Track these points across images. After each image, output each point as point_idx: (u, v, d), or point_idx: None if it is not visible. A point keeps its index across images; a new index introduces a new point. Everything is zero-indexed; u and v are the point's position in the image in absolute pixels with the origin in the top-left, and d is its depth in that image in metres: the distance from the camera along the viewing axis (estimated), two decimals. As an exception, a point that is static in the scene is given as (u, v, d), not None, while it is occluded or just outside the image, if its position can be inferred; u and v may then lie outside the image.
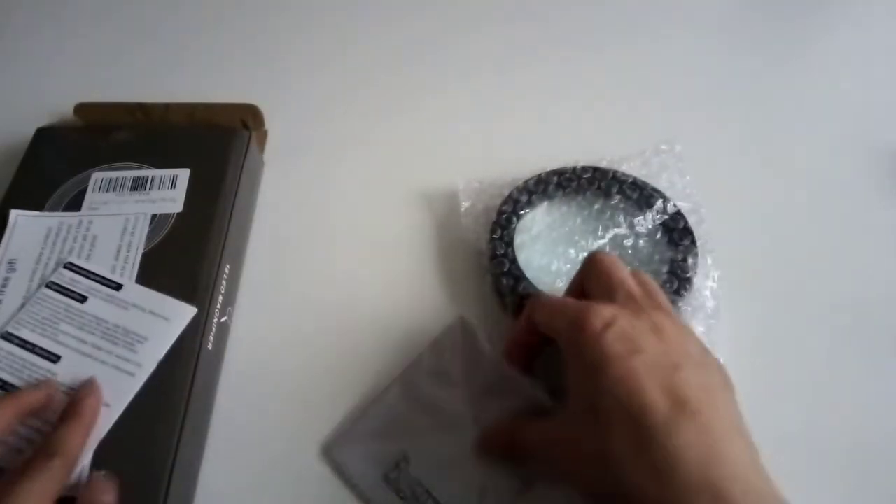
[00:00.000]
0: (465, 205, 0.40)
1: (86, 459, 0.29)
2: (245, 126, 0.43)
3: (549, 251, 0.39)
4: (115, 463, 0.29)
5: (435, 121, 0.47)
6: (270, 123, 0.45)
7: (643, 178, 0.40)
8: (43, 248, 0.35)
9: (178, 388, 0.31)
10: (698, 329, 0.35)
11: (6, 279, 0.34)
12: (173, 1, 0.55)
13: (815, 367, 0.36)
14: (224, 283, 0.36)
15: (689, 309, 0.36)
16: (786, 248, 0.40)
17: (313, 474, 0.32)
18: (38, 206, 0.37)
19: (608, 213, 0.40)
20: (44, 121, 0.42)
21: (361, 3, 0.55)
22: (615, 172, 0.40)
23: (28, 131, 0.41)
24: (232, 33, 0.53)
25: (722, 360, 0.28)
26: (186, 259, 0.35)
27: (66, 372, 0.31)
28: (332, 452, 0.32)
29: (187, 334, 0.33)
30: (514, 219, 0.39)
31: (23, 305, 0.33)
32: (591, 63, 0.51)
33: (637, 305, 0.28)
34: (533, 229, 0.40)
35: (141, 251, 0.35)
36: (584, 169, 0.41)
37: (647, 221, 0.39)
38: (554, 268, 0.38)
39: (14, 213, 0.36)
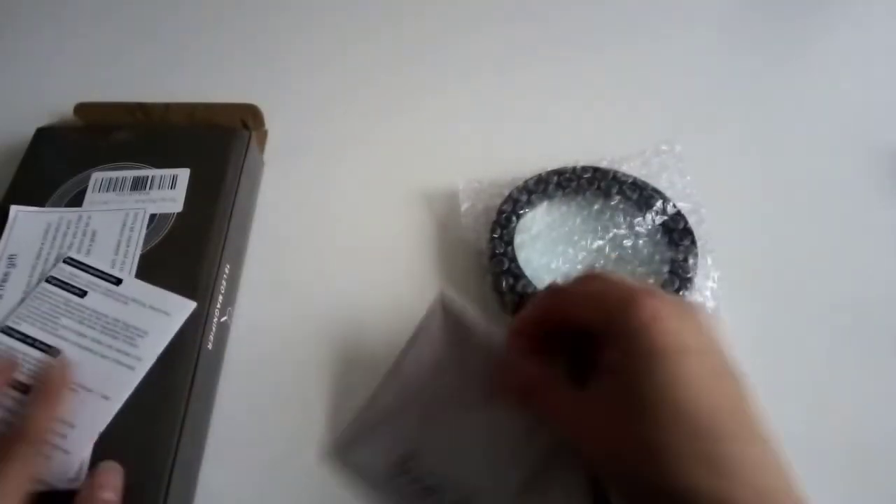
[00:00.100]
0: (465, 205, 0.40)
1: (85, 454, 0.29)
2: (245, 126, 0.43)
3: (548, 250, 0.39)
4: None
5: (435, 121, 0.47)
6: (270, 123, 0.45)
7: (643, 179, 0.40)
8: (43, 244, 0.35)
9: (179, 388, 0.31)
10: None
11: (6, 274, 0.34)
12: (173, 1, 0.55)
13: (815, 367, 0.36)
14: (224, 282, 0.36)
15: (689, 309, 0.36)
16: (786, 249, 0.40)
17: (313, 474, 0.32)
18: (38, 205, 0.37)
19: (608, 213, 0.40)
20: (44, 121, 0.42)
21: (361, 3, 0.55)
22: (615, 173, 0.40)
23: (28, 131, 0.41)
24: (232, 33, 0.53)
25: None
26: (186, 259, 0.35)
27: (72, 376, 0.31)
28: (340, 455, 0.32)
29: (187, 334, 0.33)
30: (514, 218, 0.39)
31: (23, 300, 0.33)
32: (591, 63, 0.51)
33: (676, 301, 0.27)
34: (533, 229, 0.40)
35: (140, 246, 0.35)
36: (584, 169, 0.41)
37: (647, 222, 0.39)
38: (553, 267, 0.38)
39: (14, 209, 0.36)
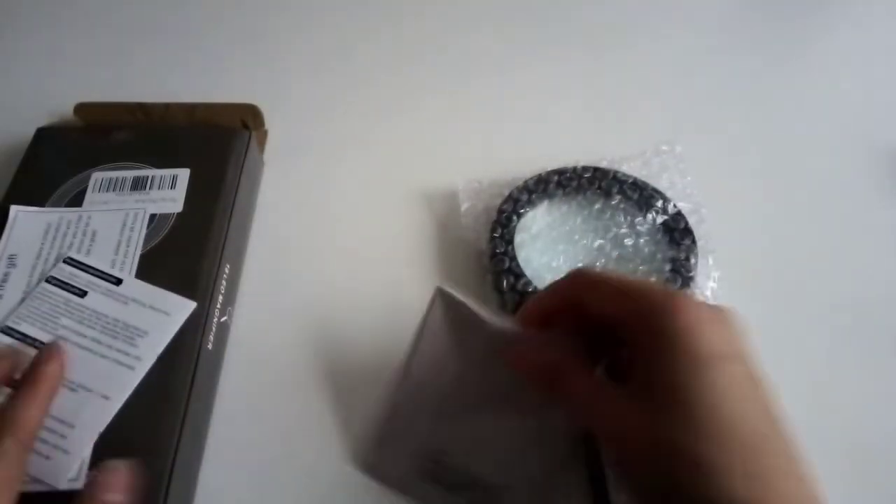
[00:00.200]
0: (465, 205, 0.40)
1: (85, 454, 0.29)
2: (245, 126, 0.43)
3: (549, 249, 0.39)
4: (115, 462, 0.29)
5: (435, 121, 0.47)
6: (270, 123, 0.45)
7: (644, 179, 0.40)
8: (43, 244, 0.35)
9: (179, 388, 0.31)
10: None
11: (6, 274, 0.34)
12: (173, 1, 0.55)
13: (815, 367, 0.36)
14: (224, 282, 0.36)
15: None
16: (786, 249, 0.40)
17: (313, 474, 0.32)
18: (38, 205, 0.37)
19: (608, 212, 0.40)
20: (44, 121, 0.42)
21: (361, 3, 0.55)
22: (616, 173, 0.40)
23: (28, 131, 0.41)
24: (232, 33, 0.53)
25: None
26: (186, 259, 0.35)
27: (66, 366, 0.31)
28: (363, 463, 0.31)
29: (187, 334, 0.33)
30: (515, 217, 0.39)
31: (23, 300, 0.33)
32: (591, 63, 0.51)
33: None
34: (533, 228, 0.40)
35: (140, 246, 0.35)
36: (585, 168, 0.41)
37: (647, 221, 0.39)
38: (554, 265, 0.38)
39: (14, 209, 0.36)
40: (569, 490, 0.28)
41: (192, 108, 0.43)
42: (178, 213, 0.37)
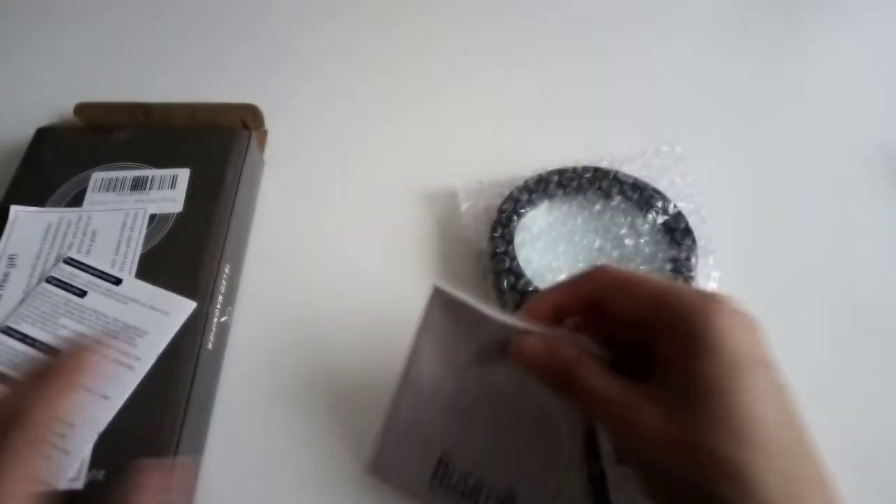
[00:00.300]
0: (465, 205, 0.40)
1: (85, 454, 0.29)
2: (245, 126, 0.43)
3: (549, 249, 0.39)
4: (116, 463, 0.29)
5: (435, 121, 0.47)
6: (270, 123, 0.45)
7: (644, 179, 0.40)
8: (43, 244, 0.35)
9: (179, 388, 0.31)
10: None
11: (6, 274, 0.34)
12: (174, 1, 0.55)
13: (815, 367, 0.36)
14: (224, 282, 0.36)
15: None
16: (786, 249, 0.40)
17: (314, 475, 0.32)
18: (38, 205, 0.37)
19: (609, 213, 0.40)
20: (44, 121, 0.42)
21: (361, 3, 0.55)
22: (616, 173, 0.40)
23: (28, 131, 0.41)
24: (232, 33, 0.53)
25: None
26: (186, 259, 0.35)
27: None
28: (377, 472, 0.31)
29: (187, 334, 0.33)
30: (515, 217, 0.39)
31: (23, 300, 0.33)
32: (591, 63, 0.51)
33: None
34: (533, 228, 0.40)
35: (140, 246, 0.35)
36: (586, 169, 0.41)
37: (647, 222, 0.39)
38: (555, 266, 0.38)
39: (14, 209, 0.36)
40: (571, 491, 0.28)
41: (192, 108, 0.42)
42: (178, 213, 0.37)
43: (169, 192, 0.38)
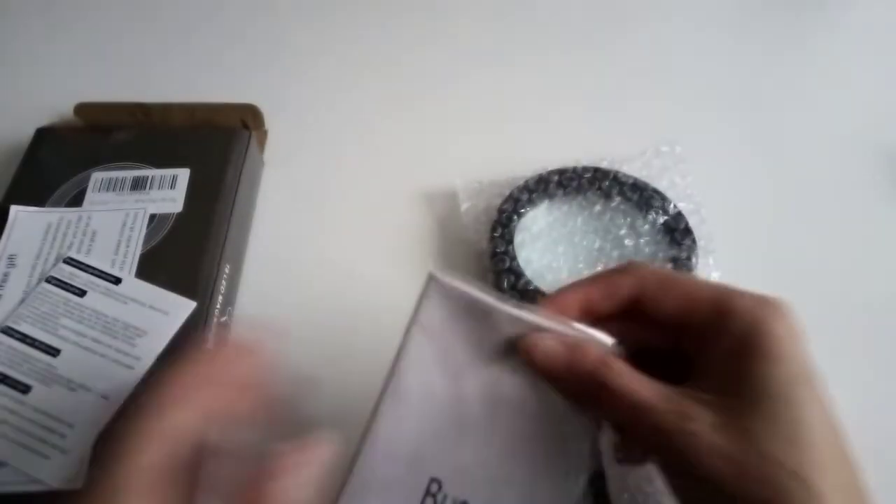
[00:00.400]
0: (465, 205, 0.40)
1: (84, 454, 0.29)
2: (245, 126, 0.43)
3: (549, 249, 0.39)
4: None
5: (435, 120, 0.47)
6: (270, 123, 0.45)
7: (644, 179, 0.40)
8: (43, 244, 0.35)
9: (178, 387, 0.31)
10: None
11: (6, 274, 0.34)
12: (174, 1, 0.55)
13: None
14: (224, 282, 0.36)
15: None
16: (786, 249, 0.40)
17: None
18: (38, 205, 0.37)
19: (609, 214, 0.40)
20: (44, 121, 0.42)
21: (362, 3, 0.55)
22: (616, 174, 0.40)
23: (28, 131, 0.41)
24: (232, 33, 0.53)
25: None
26: (186, 259, 0.35)
27: (66, 365, 0.31)
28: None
29: (187, 334, 0.33)
30: (515, 217, 0.39)
31: (23, 300, 0.33)
32: (591, 63, 0.51)
33: None
34: (533, 228, 0.40)
35: (140, 246, 0.35)
36: (586, 169, 0.41)
37: (648, 222, 0.39)
38: (555, 266, 0.38)
39: (14, 209, 0.36)
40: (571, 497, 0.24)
41: (192, 109, 0.42)
42: (178, 213, 0.37)
43: (169, 192, 0.38)
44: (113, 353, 0.31)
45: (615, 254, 0.38)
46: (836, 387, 0.36)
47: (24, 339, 0.32)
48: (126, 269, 0.34)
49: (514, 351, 0.23)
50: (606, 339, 0.23)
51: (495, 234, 0.38)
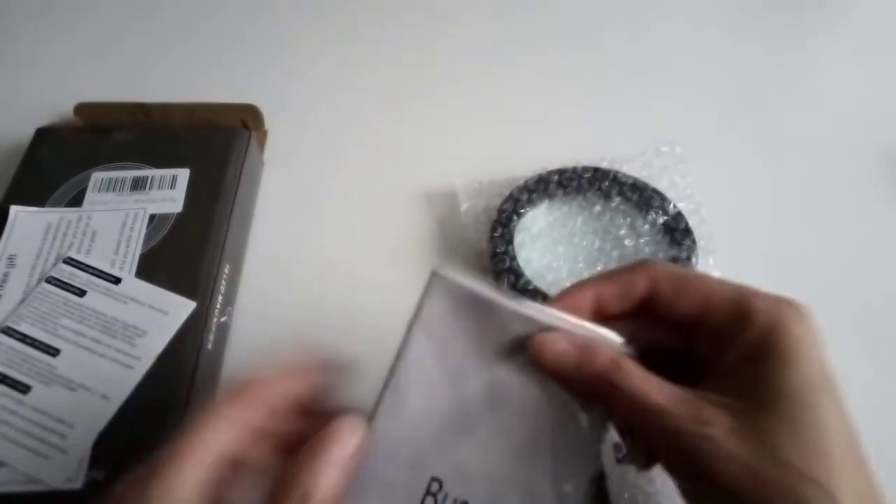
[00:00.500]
0: (465, 205, 0.40)
1: (84, 454, 0.29)
2: (245, 126, 0.43)
3: (549, 250, 0.39)
4: (115, 463, 0.29)
5: (435, 120, 0.47)
6: (270, 123, 0.45)
7: (644, 179, 0.40)
8: (43, 244, 0.35)
9: (178, 388, 0.31)
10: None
11: (6, 274, 0.34)
12: (174, 1, 0.55)
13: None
14: (224, 282, 0.36)
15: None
16: (786, 249, 0.40)
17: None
18: (38, 205, 0.37)
19: (608, 214, 0.40)
20: (44, 121, 0.42)
21: (362, 3, 0.55)
22: (616, 174, 0.40)
23: (28, 131, 0.41)
24: (232, 33, 0.53)
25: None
26: (186, 259, 0.35)
27: (66, 365, 0.31)
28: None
29: (187, 334, 0.33)
30: (515, 217, 0.39)
31: (23, 300, 0.33)
32: (591, 63, 0.51)
33: None
34: (533, 228, 0.40)
35: (140, 246, 0.35)
36: (586, 169, 0.41)
37: (647, 222, 0.39)
38: (555, 266, 0.38)
39: (14, 209, 0.36)
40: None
41: (192, 109, 0.42)
42: (178, 213, 0.37)
43: (169, 192, 0.38)
44: (113, 353, 0.31)
45: (615, 254, 0.38)
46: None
47: (24, 339, 0.32)
48: (126, 269, 0.34)
49: (519, 349, 0.23)
50: (616, 339, 0.22)
51: (495, 234, 0.38)
